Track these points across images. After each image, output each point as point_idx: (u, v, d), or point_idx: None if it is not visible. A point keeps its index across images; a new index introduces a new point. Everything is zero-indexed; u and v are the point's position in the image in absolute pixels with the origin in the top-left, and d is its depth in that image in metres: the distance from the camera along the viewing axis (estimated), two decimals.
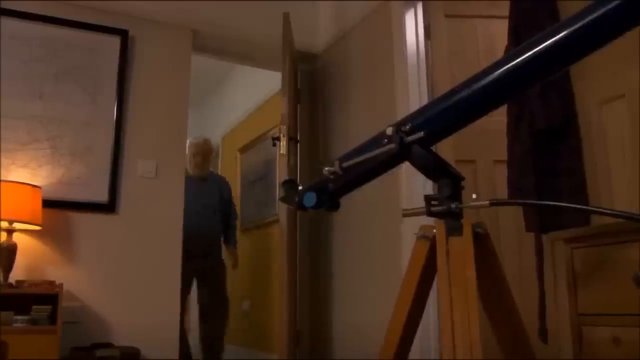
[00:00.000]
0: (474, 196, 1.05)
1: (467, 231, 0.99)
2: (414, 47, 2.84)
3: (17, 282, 2.58)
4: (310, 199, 1.13)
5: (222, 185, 3.99)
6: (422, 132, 1.01)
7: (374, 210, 2.86)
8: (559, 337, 1.75)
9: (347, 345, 2.96)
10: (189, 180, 3.27)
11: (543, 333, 2.12)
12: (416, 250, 1.06)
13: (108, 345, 2.70)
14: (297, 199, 1.17)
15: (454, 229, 0.99)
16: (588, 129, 2.09)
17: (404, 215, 1.09)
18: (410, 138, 1.02)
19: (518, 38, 2.38)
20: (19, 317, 2.45)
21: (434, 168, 1.03)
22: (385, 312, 2.71)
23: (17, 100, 2.81)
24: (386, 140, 1.07)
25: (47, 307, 2.51)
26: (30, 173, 2.77)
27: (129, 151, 2.98)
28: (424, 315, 2.70)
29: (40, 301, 2.54)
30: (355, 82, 3.20)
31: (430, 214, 1.02)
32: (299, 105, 3.52)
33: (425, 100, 2.80)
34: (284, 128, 2.83)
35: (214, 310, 3.73)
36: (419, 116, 1.06)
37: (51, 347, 2.43)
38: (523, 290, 2.63)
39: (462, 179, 1.04)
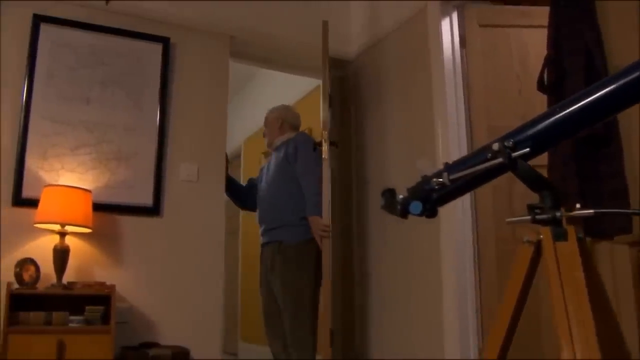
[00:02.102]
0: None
1: (572, 236, 1.08)
2: (450, 55, 2.94)
3: (69, 283, 2.66)
4: (417, 208, 1.22)
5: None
6: (528, 148, 1.10)
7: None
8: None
9: (383, 345, 3.05)
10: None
11: None
12: (521, 255, 1.15)
13: (155, 344, 2.78)
14: (399, 207, 1.26)
15: (559, 235, 1.08)
16: (628, 133, 2.19)
17: (508, 223, 1.18)
18: (516, 153, 1.11)
19: (559, 47, 2.48)
20: (74, 318, 2.53)
21: (537, 180, 1.12)
22: (420, 312, 2.81)
23: (66, 105, 2.88)
24: (490, 154, 1.16)
25: (100, 308, 2.59)
26: (78, 177, 2.84)
27: (171, 155, 3.06)
28: (464, 317, 2.80)
29: (92, 302, 2.62)
30: (389, 88, 3.29)
31: (534, 221, 1.11)
32: (330, 110, 3.60)
33: (462, 108, 2.90)
34: (325, 133, 2.91)
35: None
36: (520, 133, 1.16)
37: (106, 347, 2.51)
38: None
39: (561, 191, 1.14)
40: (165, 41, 3.12)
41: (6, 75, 2.81)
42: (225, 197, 3.17)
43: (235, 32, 3.32)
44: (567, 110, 1.12)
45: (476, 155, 1.21)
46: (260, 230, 3.03)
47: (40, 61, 2.86)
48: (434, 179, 1.23)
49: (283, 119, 3.13)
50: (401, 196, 1.31)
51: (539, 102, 2.91)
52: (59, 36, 2.92)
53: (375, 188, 3.29)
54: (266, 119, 3.19)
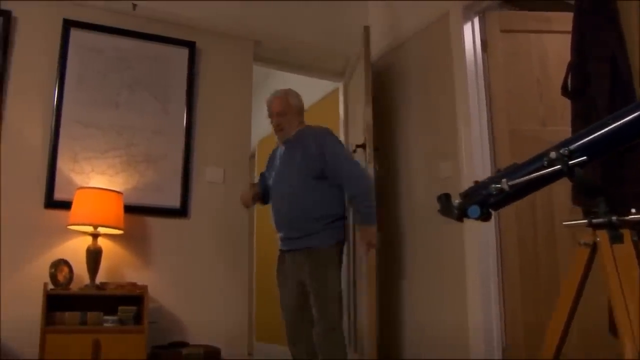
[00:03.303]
0: None
1: (628, 239, 1.14)
2: (472, 59, 3.00)
3: (101, 283, 2.71)
4: (475, 212, 1.29)
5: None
6: (585, 157, 1.16)
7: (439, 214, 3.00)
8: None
9: (417, 345, 3.10)
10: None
11: (614, 329, 2.27)
12: (578, 256, 1.21)
13: (185, 344, 2.83)
14: (455, 211, 1.32)
15: (616, 238, 1.14)
16: None
17: (566, 226, 1.24)
18: (574, 162, 1.17)
19: (583, 53, 2.53)
20: (108, 318, 2.58)
21: (592, 187, 1.18)
22: (447, 312, 2.87)
23: (96, 109, 2.93)
24: (546, 162, 1.22)
25: (132, 308, 2.64)
26: (108, 179, 2.89)
27: (197, 158, 3.11)
28: (487, 316, 2.85)
29: (123, 302, 2.67)
30: (410, 92, 3.35)
31: (591, 225, 1.17)
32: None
33: (484, 112, 2.96)
34: (369, 138, 2.99)
35: None
36: (574, 142, 1.21)
37: (139, 346, 2.57)
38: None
39: (614, 197, 1.20)
40: (191, 45, 3.17)
41: (38, 80, 2.86)
42: None
43: (258, 37, 3.37)
44: (621, 122, 1.18)
45: (532, 162, 1.26)
46: (279, 235, 2.72)
47: (71, 65, 2.91)
48: (493, 185, 1.28)
49: (302, 109, 2.79)
50: (457, 201, 1.36)
51: (560, 107, 2.98)
52: (88, 41, 2.97)
53: (398, 190, 3.34)
54: (285, 104, 2.72)
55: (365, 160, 3.06)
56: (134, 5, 3.07)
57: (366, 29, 3.20)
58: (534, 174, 1.24)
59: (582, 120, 2.50)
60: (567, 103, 2.65)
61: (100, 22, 3.01)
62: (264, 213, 4.07)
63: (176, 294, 2.95)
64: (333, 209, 2.63)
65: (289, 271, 2.68)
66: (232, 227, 3.12)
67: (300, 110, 2.78)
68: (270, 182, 2.76)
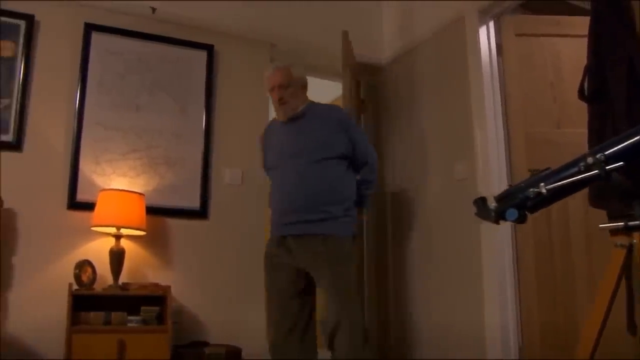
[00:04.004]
0: None
1: None
2: (487, 63, 3.04)
3: (124, 284, 2.75)
4: (513, 214, 1.33)
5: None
6: (622, 162, 1.20)
7: (453, 213, 3.05)
8: None
9: (433, 344, 3.14)
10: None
11: (632, 328, 2.31)
12: (614, 258, 1.25)
13: (206, 343, 2.87)
14: (493, 214, 1.36)
15: None
16: None
17: (602, 229, 1.28)
18: (611, 167, 1.21)
19: (599, 57, 2.57)
20: (132, 318, 2.62)
21: (628, 191, 1.23)
22: (466, 312, 2.90)
23: (116, 112, 2.97)
24: (583, 167, 1.26)
25: (155, 308, 2.68)
26: (129, 181, 2.93)
27: (216, 160, 3.15)
28: (504, 316, 2.89)
29: (145, 302, 2.70)
30: (425, 94, 3.39)
31: (627, 228, 1.21)
32: (362, 115, 3.71)
33: (499, 115, 3.00)
34: None
35: None
36: (610, 148, 1.26)
37: (162, 346, 2.61)
38: (592, 288, 2.85)
39: None
40: (209, 48, 3.21)
41: (60, 83, 2.90)
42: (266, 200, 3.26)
43: (274, 39, 3.41)
44: None
45: (568, 167, 1.31)
46: (282, 220, 2.41)
47: (92, 69, 2.95)
48: (531, 189, 1.33)
49: (305, 86, 2.53)
50: (494, 204, 1.41)
51: (573, 109, 3.02)
52: (108, 44, 3.01)
53: (414, 191, 3.38)
54: (288, 76, 2.46)
55: None
56: (153, 9, 3.10)
57: (345, 34, 3.17)
58: (571, 179, 1.28)
59: (599, 123, 2.54)
60: (580, 105, 2.68)
61: (120, 26, 3.04)
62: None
63: (196, 294, 2.98)
64: (352, 193, 2.44)
65: (288, 257, 2.40)
66: (250, 228, 3.16)
67: (304, 84, 2.53)
68: (274, 163, 2.53)
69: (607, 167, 1.23)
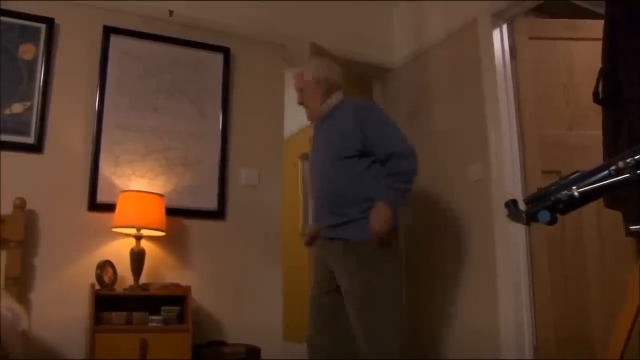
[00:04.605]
0: None
1: None
2: (501, 66, 3.08)
3: (144, 284, 2.78)
4: (545, 216, 1.37)
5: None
6: None
7: (468, 214, 3.09)
8: None
9: (449, 344, 3.17)
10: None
11: None
12: None
13: (223, 343, 2.90)
14: (524, 216, 1.40)
15: None
16: None
17: (633, 230, 1.32)
18: None
19: (614, 60, 2.61)
20: (153, 317, 2.65)
21: None
22: (481, 312, 2.94)
23: (135, 114, 3.00)
24: (613, 171, 1.30)
25: (176, 308, 2.71)
26: (148, 182, 2.96)
27: (233, 161, 3.19)
28: (518, 316, 2.93)
29: (165, 302, 2.74)
30: (438, 96, 3.43)
31: None
32: None
33: (513, 117, 3.04)
34: None
35: None
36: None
37: (184, 345, 2.64)
38: (605, 288, 2.90)
39: None
40: (225, 51, 3.24)
41: (80, 85, 2.93)
42: (281, 199, 3.30)
43: (289, 42, 3.45)
44: None
45: (598, 171, 1.35)
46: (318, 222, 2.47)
47: (111, 71, 2.98)
48: (564, 192, 1.37)
49: (327, 80, 2.47)
50: (525, 207, 1.45)
51: (586, 111, 3.07)
52: (127, 47, 3.04)
53: (428, 192, 3.42)
54: (303, 81, 2.49)
55: None
56: (171, 12, 3.14)
57: (312, 46, 3.17)
58: (602, 182, 1.32)
59: (614, 126, 2.58)
60: (592, 107, 2.72)
61: (138, 29, 3.07)
62: (289, 214, 4.14)
63: (213, 294, 3.02)
64: (371, 192, 2.29)
65: (323, 255, 2.41)
66: (267, 228, 3.20)
67: (319, 81, 2.45)
68: (309, 165, 2.53)
69: (638, 171, 1.27)
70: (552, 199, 1.40)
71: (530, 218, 1.41)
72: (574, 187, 1.36)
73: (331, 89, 2.47)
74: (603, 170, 1.35)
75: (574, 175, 1.43)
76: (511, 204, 1.47)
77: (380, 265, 2.26)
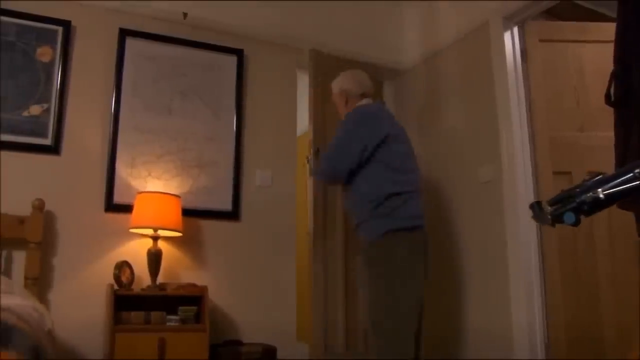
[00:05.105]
0: None
1: None
2: (512, 68, 3.11)
3: (161, 284, 2.81)
4: (571, 218, 1.40)
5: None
6: None
7: (480, 215, 3.12)
8: None
9: (462, 343, 3.21)
10: None
11: None
12: None
13: (239, 342, 2.93)
14: (549, 217, 1.44)
15: None
16: None
17: None
18: None
19: (625, 65, 2.65)
20: (171, 317, 2.68)
21: None
22: (493, 311, 2.97)
23: (150, 115, 3.03)
24: (638, 172, 1.34)
25: (193, 308, 2.74)
26: (163, 184, 2.99)
27: (247, 162, 3.22)
28: (531, 315, 2.96)
29: (182, 302, 2.77)
30: (448, 98, 3.46)
31: None
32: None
33: (524, 119, 3.07)
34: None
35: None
36: None
37: (201, 345, 2.67)
38: (616, 287, 2.93)
39: None
40: (239, 53, 3.27)
41: (96, 87, 2.96)
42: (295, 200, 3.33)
43: (301, 45, 3.47)
44: None
45: (622, 174, 1.39)
46: None
47: (126, 73, 3.01)
48: (589, 193, 1.40)
49: (347, 92, 2.69)
50: (550, 208, 1.48)
51: (596, 113, 3.10)
52: (142, 49, 3.07)
53: (440, 193, 3.45)
54: (333, 94, 2.79)
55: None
56: (185, 15, 3.16)
57: (312, 52, 3.28)
58: (627, 185, 1.36)
59: (626, 128, 2.61)
60: (602, 109, 2.74)
61: (153, 31, 3.10)
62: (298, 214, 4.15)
63: (228, 294, 3.05)
64: (373, 190, 2.42)
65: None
66: (281, 228, 3.23)
67: (342, 92, 2.69)
68: None
69: None
70: (577, 200, 1.43)
71: (555, 219, 1.45)
72: (599, 190, 1.40)
73: (351, 98, 2.66)
74: (627, 173, 1.38)
75: (598, 178, 1.46)
76: (536, 206, 1.51)
77: (381, 261, 2.39)
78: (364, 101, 2.66)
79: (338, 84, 2.73)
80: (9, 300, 1.87)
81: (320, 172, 2.72)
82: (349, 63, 3.64)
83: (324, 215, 3.16)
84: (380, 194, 2.41)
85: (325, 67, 3.30)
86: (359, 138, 2.44)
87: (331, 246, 3.15)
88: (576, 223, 1.46)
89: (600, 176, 1.47)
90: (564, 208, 1.47)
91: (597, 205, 1.44)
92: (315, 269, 3.05)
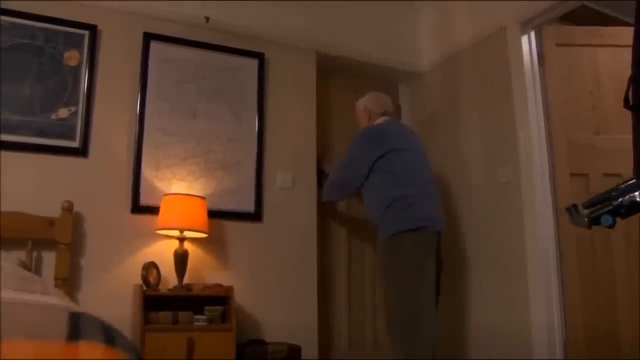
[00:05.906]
0: None
1: None
2: (529, 71, 3.17)
3: (187, 285, 2.85)
4: (608, 220, 1.46)
5: None
6: None
7: (498, 215, 3.17)
8: None
9: (481, 343, 3.26)
10: None
11: None
12: None
13: (262, 342, 2.98)
14: (586, 220, 1.50)
15: None
16: None
17: None
18: None
19: None
20: (198, 317, 2.72)
21: None
22: (512, 311, 3.02)
23: (175, 118, 3.07)
24: None
25: (220, 308, 2.78)
26: (188, 185, 3.03)
27: (268, 164, 3.26)
28: (549, 315, 3.01)
29: (208, 302, 2.81)
30: (466, 101, 3.51)
31: None
32: (401, 120, 3.83)
33: (542, 122, 3.12)
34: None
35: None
36: None
37: (228, 344, 2.71)
38: (633, 288, 2.99)
39: None
40: (260, 56, 3.32)
41: (122, 90, 3.00)
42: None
43: (320, 48, 3.53)
44: None
45: None
46: None
47: (151, 76, 3.05)
48: (627, 196, 1.46)
49: (370, 110, 3.04)
50: (586, 211, 1.54)
51: (611, 117, 3.16)
52: (166, 52, 3.11)
53: (458, 194, 3.50)
54: (357, 109, 3.13)
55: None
56: (207, 19, 3.21)
57: (317, 54, 3.50)
58: None
59: None
60: (618, 112, 2.79)
61: (176, 35, 3.15)
62: None
63: (251, 294, 3.09)
64: (381, 195, 2.75)
65: None
66: (302, 229, 3.28)
67: (361, 111, 3.08)
68: None
69: None
70: (614, 203, 1.49)
71: (592, 222, 1.50)
72: (637, 193, 1.45)
73: (373, 116, 3.02)
74: None
75: (633, 182, 1.52)
76: (572, 209, 1.56)
77: (390, 262, 2.67)
78: (382, 119, 2.99)
79: (363, 102, 3.08)
80: (51, 300, 1.92)
81: (327, 194, 3.20)
82: (364, 65, 3.71)
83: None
84: (387, 199, 2.71)
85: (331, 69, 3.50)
86: (362, 157, 2.81)
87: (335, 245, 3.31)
88: (612, 225, 1.52)
89: (634, 180, 1.53)
90: (601, 211, 1.52)
91: (635, 208, 1.50)
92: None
